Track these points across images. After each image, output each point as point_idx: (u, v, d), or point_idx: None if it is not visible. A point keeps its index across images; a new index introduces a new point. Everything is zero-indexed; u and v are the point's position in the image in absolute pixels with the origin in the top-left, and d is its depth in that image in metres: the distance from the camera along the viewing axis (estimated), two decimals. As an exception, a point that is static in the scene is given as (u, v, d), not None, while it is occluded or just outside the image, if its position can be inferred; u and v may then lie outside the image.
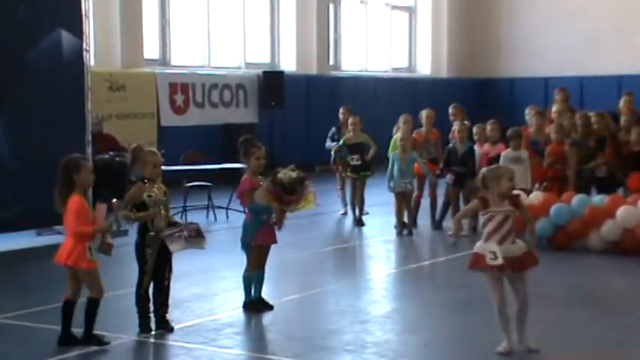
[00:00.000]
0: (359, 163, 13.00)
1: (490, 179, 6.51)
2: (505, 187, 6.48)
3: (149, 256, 7.09)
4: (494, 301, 6.58)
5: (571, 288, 8.98)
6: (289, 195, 7.57)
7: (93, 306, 6.81)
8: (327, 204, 15.03)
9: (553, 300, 8.47)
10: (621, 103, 12.91)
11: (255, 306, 7.89)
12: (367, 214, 13.31)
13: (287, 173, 7.63)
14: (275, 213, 7.68)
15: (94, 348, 6.77)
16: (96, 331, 6.87)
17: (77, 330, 6.95)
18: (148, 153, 7.22)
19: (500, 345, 6.55)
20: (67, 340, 6.79)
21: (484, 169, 6.78)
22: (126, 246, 8.49)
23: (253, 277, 7.87)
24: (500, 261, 6.41)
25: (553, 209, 10.70)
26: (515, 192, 6.76)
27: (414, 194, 12.39)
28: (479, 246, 6.55)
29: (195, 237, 7.21)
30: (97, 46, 16.47)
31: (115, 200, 6.76)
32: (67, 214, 6.60)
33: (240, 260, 8.02)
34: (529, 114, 12.80)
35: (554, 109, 13.16)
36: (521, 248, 6.53)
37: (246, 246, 7.87)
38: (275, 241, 7.85)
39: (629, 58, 22.08)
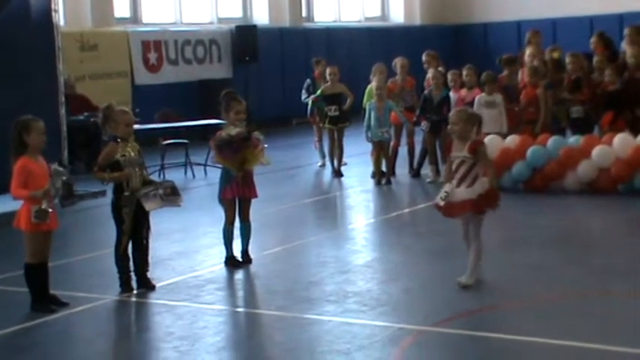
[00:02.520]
0: (337, 114, 12.90)
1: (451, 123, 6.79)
2: (456, 130, 6.69)
3: (126, 216, 7.01)
4: None
5: (549, 230, 8.99)
6: (231, 150, 7.53)
7: (28, 271, 6.66)
8: (305, 156, 14.99)
9: (532, 242, 8.49)
10: (592, 45, 12.83)
11: (236, 261, 7.85)
12: (346, 164, 13.25)
13: (227, 130, 7.63)
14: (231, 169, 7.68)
15: (78, 309, 6.71)
16: (57, 293, 6.79)
17: (64, 293, 6.89)
18: (119, 112, 7.11)
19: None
20: (40, 306, 6.67)
21: (451, 113, 6.94)
22: (103, 207, 8.41)
23: (231, 231, 7.83)
24: (440, 202, 6.73)
25: (529, 152, 10.69)
26: (480, 138, 6.91)
27: (392, 143, 12.33)
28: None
29: (171, 195, 7.13)
30: (67, 6, 16.19)
31: (53, 165, 6.57)
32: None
33: (220, 216, 7.96)
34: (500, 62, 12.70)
35: (527, 52, 13.07)
36: (472, 192, 6.64)
37: (219, 200, 7.84)
38: (245, 195, 7.79)
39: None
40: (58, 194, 6.59)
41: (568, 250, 8.13)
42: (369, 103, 12.17)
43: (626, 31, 12.75)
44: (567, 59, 11.94)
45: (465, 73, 12.03)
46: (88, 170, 11.60)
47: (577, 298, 6.62)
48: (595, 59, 12.23)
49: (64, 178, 6.58)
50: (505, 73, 12.28)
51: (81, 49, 16.12)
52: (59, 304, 6.75)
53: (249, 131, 7.69)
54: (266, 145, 7.81)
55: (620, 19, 19.38)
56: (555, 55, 12.80)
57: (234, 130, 7.61)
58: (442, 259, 7.81)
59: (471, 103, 11.56)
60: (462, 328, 6.04)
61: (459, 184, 6.70)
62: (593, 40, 12.85)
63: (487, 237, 9.01)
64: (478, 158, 6.69)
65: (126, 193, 6.98)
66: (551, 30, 20.88)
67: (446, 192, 6.71)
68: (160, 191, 7.07)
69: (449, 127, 6.92)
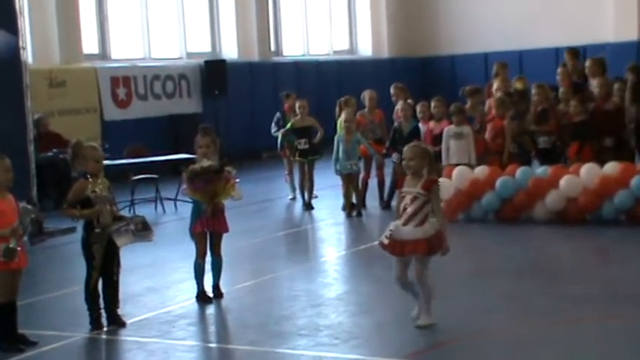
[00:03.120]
0: (307, 147, 12.95)
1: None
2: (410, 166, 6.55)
3: (96, 252, 6.98)
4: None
5: (519, 259, 9.06)
6: (202, 183, 7.55)
7: None
8: (275, 190, 15.00)
9: (502, 271, 8.54)
10: (558, 75, 13.02)
11: (207, 296, 7.83)
12: (316, 197, 13.28)
13: (200, 163, 7.66)
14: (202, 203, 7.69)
15: (48, 347, 6.64)
16: (26, 332, 6.71)
17: (33, 332, 6.83)
18: (88, 148, 7.09)
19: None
20: (8, 346, 6.58)
21: (405, 149, 6.75)
22: (73, 243, 8.36)
23: (202, 266, 7.83)
24: (384, 240, 6.50)
25: (498, 182, 10.78)
26: (434, 176, 6.69)
27: (361, 175, 12.39)
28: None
29: (142, 230, 7.11)
30: (35, 44, 16.14)
31: (22, 203, 6.53)
32: None
33: (191, 251, 7.94)
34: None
35: (494, 85, 13.24)
36: (422, 232, 6.39)
37: (190, 234, 7.86)
38: (215, 229, 7.79)
39: (564, 31, 22.32)
40: (27, 232, 6.55)
41: (538, 280, 8.19)
42: (337, 135, 12.23)
43: (587, 64, 12.98)
44: (533, 90, 12.10)
45: (433, 104, 12.14)
46: (58, 207, 11.55)
47: (547, 326, 6.66)
48: (560, 90, 12.42)
49: (33, 216, 6.55)
50: (468, 104, 12.40)
51: (49, 85, 16.07)
52: (28, 343, 6.68)
53: (222, 164, 7.71)
54: (238, 180, 7.83)
55: (584, 51, 19.67)
56: (519, 85, 12.98)
57: (206, 163, 7.63)
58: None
59: (440, 135, 11.68)
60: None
61: (407, 222, 6.44)
62: (559, 71, 13.05)
63: (458, 266, 9.11)
64: (431, 197, 6.48)
65: (96, 230, 6.95)
66: (518, 61, 21.18)
67: (390, 230, 6.46)
68: (132, 227, 7.05)
69: (403, 162, 6.75)
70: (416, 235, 6.40)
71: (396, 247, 6.46)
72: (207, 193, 7.62)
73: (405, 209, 6.48)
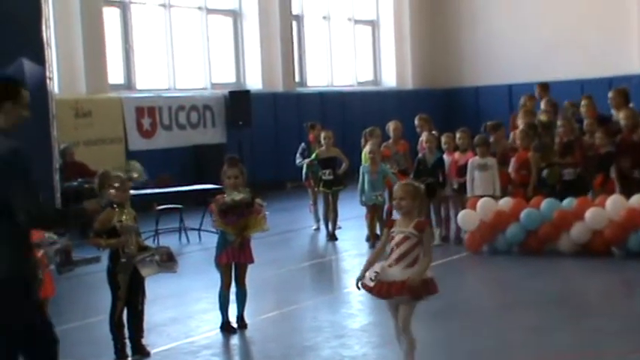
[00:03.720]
0: (331, 177, 12.99)
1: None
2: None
3: (121, 282, 7.02)
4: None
5: (545, 292, 9.00)
6: (235, 216, 7.58)
7: None
8: (299, 220, 15.02)
9: (528, 304, 8.49)
10: (582, 108, 12.99)
11: (231, 326, 7.84)
12: (340, 228, 13.29)
13: (231, 195, 7.64)
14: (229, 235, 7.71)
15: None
16: None
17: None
18: (115, 178, 7.15)
19: None
20: None
21: (396, 187, 6.39)
22: (98, 273, 8.41)
23: (227, 296, 7.84)
24: (369, 282, 6.12)
25: (523, 214, 10.75)
26: (425, 219, 6.37)
27: (386, 206, 12.39)
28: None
29: (167, 261, 7.15)
30: (61, 74, 16.33)
31: (47, 234, 6.54)
32: None
33: (215, 281, 7.96)
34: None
35: (520, 117, 13.19)
36: (411, 274, 6.00)
37: (216, 264, 7.88)
38: (241, 260, 7.81)
39: (589, 63, 22.30)
40: (54, 262, 6.58)
41: (563, 313, 8.13)
42: (362, 166, 12.26)
43: (610, 95, 12.95)
44: (558, 122, 12.08)
45: (458, 135, 12.14)
46: (83, 236, 11.63)
47: (574, 360, 6.62)
48: (585, 122, 12.38)
49: (58, 246, 6.58)
50: (491, 139, 12.38)
51: (75, 115, 16.24)
52: None
53: (253, 197, 7.73)
54: (267, 212, 7.83)
55: (610, 83, 19.64)
56: (544, 117, 12.95)
57: (238, 196, 7.62)
58: (440, 322, 7.80)
59: (465, 166, 11.69)
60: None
61: (395, 263, 6.08)
62: (583, 102, 13.02)
63: (483, 299, 9.08)
64: (423, 238, 6.11)
65: (122, 260, 7.00)
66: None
67: (376, 272, 6.09)
68: (157, 257, 7.09)
69: (394, 202, 6.31)
70: (404, 276, 6.02)
71: (382, 289, 6.08)
72: (238, 226, 7.65)
73: (393, 250, 6.12)
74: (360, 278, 6.17)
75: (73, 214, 5.33)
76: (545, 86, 14.68)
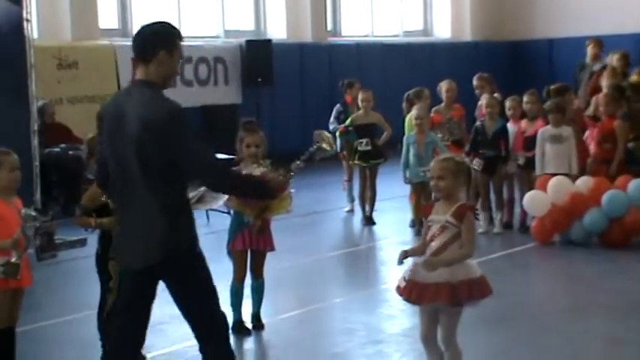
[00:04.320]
0: (368, 148, 12.97)
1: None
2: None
3: (113, 271, 7.05)
4: None
5: (629, 293, 8.99)
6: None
7: None
8: (329, 200, 15.06)
9: (607, 308, 8.49)
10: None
11: (244, 327, 7.90)
12: (376, 211, 13.30)
13: (249, 169, 7.58)
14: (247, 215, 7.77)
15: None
16: None
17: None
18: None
19: None
20: None
21: (433, 163, 6.34)
22: (85, 258, 8.49)
23: (241, 290, 7.89)
24: (401, 282, 6.12)
25: (606, 198, 10.70)
26: (471, 202, 6.35)
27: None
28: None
29: None
30: (42, 16, 16.43)
31: (23, 209, 6.61)
32: None
33: (227, 271, 8.01)
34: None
35: (604, 78, 13.10)
36: (448, 275, 5.91)
37: (228, 252, 7.93)
38: (259, 246, 7.86)
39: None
40: (29, 244, 6.61)
41: (651, 320, 8.14)
42: (407, 136, 12.25)
43: None
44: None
45: (525, 100, 12.07)
46: (66, 214, 11.72)
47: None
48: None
49: (37, 224, 6.64)
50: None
51: (59, 66, 16.33)
52: None
53: (284, 174, 7.64)
54: (293, 190, 7.70)
55: None
56: (636, 78, 12.86)
57: (257, 170, 7.54)
58: (499, 328, 7.82)
59: (534, 137, 11.63)
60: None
61: (435, 257, 6.00)
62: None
63: (552, 301, 9.07)
64: (462, 228, 6.00)
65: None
66: (633, 47, 20.96)
67: (410, 270, 6.07)
68: None
69: (431, 182, 6.30)
70: (440, 277, 5.93)
71: (413, 292, 6.02)
72: (258, 207, 7.68)
73: (430, 242, 6.09)
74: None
75: (255, 185, 5.89)
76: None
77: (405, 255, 6.17)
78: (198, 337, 5.66)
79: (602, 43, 15.50)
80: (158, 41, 5.47)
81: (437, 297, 5.94)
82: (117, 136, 5.42)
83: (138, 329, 5.69)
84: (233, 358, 5.68)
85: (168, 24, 5.69)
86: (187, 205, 5.60)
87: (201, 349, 5.66)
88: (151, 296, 5.66)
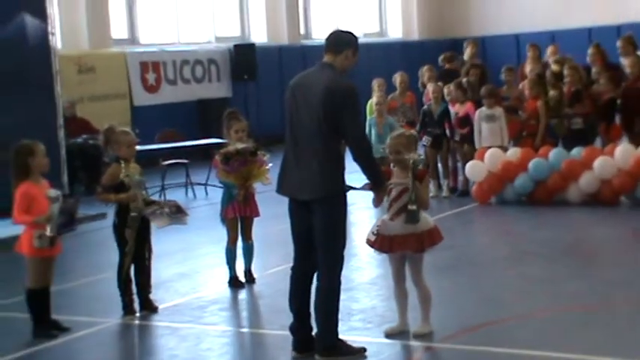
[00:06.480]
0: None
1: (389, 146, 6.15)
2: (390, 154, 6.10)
3: (129, 238, 6.98)
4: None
5: (553, 242, 8.97)
6: (237, 164, 7.55)
7: (30, 297, 6.61)
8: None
9: (536, 255, 8.47)
10: (589, 57, 12.83)
11: (239, 281, 7.83)
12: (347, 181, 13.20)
13: (235, 145, 7.65)
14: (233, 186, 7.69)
15: (80, 333, 6.68)
16: (58, 318, 6.76)
17: (66, 318, 6.87)
18: (121, 133, 7.10)
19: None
20: (42, 332, 6.61)
21: (388, 139, 6.30)
22: (104, 229, 8.40)
23: (234, 251, 7.83)
24: (371, 237, 6.13)
25: (531, 164, 10.68)
26: (425, 169, 6.35)
27: (390, 158, 12.32)
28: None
29: (177, 213, 7.13)
30: (63, 29, 16.20)
31: (51, 191, 6.52)
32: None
33: (222, 236, 7.94)
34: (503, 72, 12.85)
35: (527, 67, 13.08)
36: (412, 227, 5.94)
37: (221, 220, 7.85)
38: (247, 214, 7.79)
39: (598, 10, 22.02)
40: (56, 221, 6.50)
41: (571, 263, 8.11)
42: (369, 119, 12.17)
43: (618, 44, 12.81)
44: (566, 71, 11.94)
45: (452, 87, 12.00)
46: (88, 192, 11.62)
47: (581, 310, 6.60)
48: (593, 71, 12.25)
49: (60, 203, 6.52)
50: (505, 87, 12.31)
51: (78, 71, 16.13)
52: (61, 329, 6.72)
53: (256, 147, 7.70)
54: (270, 165, 7.74)
55: (618, 31, 19.40)
56: (556, 67, 12.81)
57: (240, 145, 7.61)
58: (448, 274, 7.78)
59: (465, 117, 11.67)
60: (468, 343, 6.01)
61: (396, 216, 6.04)
62: (590, 51, 12.87)
63: (491, 251, 9.06)
64: (420, 188, 5.98)
65: (132, 214, 6.94)
66: (550, 42, 20.91)
67: (378, 225, 6.10)
68: (166, 209, 7.08)
69: (390, 156, 6.21)
70: (405, 229, 5.98)
71: (384, 243, 6.07)
72: (240, 175, 7.62)
73: (392, 204, 6.06)
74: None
75: (377, 168, 5.90)
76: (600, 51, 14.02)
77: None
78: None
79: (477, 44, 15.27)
80: (348, 41, 5.90)
81: (404, 246, 6.03)
82: (304, 101, 5.71)
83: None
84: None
85: (354, 34, 6.03)
86: (340, 160, 5.80)
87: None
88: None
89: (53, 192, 6.51)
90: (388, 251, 6.15)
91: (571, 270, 7.80)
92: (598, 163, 10.34)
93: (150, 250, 7.16)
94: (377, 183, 5.89)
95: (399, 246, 6.05)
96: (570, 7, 22.52)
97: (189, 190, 13.43)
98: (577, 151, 10.74)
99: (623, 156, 10.31)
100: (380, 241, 6.12)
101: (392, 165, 6.21)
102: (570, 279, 7.45)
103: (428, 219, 6.14)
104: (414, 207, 5.95)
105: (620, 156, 10.32)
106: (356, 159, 5.76)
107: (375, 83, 12.87)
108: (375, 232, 6.13)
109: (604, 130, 11.65)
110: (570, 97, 11.64)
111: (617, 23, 20.97)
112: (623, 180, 10.26)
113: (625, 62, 12.18)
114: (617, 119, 11.86)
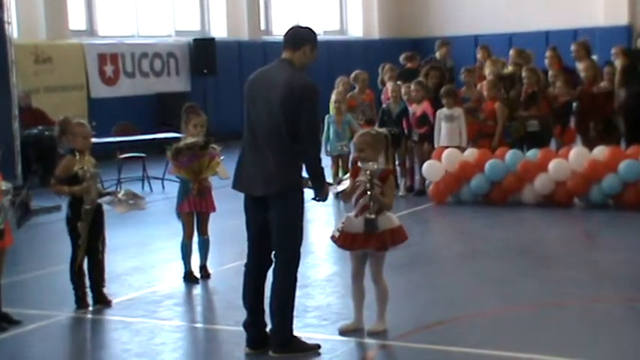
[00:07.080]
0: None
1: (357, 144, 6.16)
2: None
3: (82, 231, 6.90)
4: None
5: (507, 242, 9.05)
6: (187, 158, 7.53)
7: None
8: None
9: (490, 255, 8.54)
10: (547, 59, 12.98)
11: (194, 276, 7.79)
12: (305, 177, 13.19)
13: (185, 140, 7.63)
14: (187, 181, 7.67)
15: (31, 326, 6.59)
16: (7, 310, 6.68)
17: (17, 311, 6.78)
18: (77, 125, 7.02)
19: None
20: None
21: (355, 137, 6.34)
22: (58, 222, 8.30)
23: (189, 246, 7.78)
24: (335, 233, 6.15)
25: (488, 165, 10.76)
26: (391, 167, 6.38)
27: (351, 156, 12.33)
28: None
29: (133, 198, 7.07)
30: (20, 18, 15.96)
31: (2, 183, 6.41)
32: None
33: (178, 230, 7.89)
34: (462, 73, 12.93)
35: (487, 69, 13.16)
36: (379, 224, 5.95)
37: (177, 214, 7.81)
38: (202, 209, 7.75)
39: (555, 14, 22.27)
40: (9, 214, 6.40)
41: (525, 263, 8.19)
42: (328, 116, 12.17)
43: (572, 48, 13.02)
44: (523, 74, 12.06)
45: (412, 87, 12.03)
46: (43, 184, 11.46)
47: (534, 309, 6.66)
48: (550, 73, 12.39)
49: (9, 196, 6.42)
50: (463, 88, 12.38)
51: (35, 61, 15.93)
52: (11, 322, 6.62)
53: (206, 141, 7.67)
54: (222, 157, 7.77)
55: (575, 35, 19.65)
56: (511, 69, 12.93)
57: (190, 140, 7.60)
58: (403, 272, 7.79)
59: (422, 117, 11.69)
60: (422, 341, 6.03)
61: (360, 214, 6.02)
62: (547, 54, 13.02)
63: (446, 249, 9.12)
64: (385, 188, 6.00)
65: (86, 207, 6.86)
66: (508, 44, 21.10)
67: (342, 222, 6.09)
68: (121, 196, 7.03)
69: (356, 154, 6.26)
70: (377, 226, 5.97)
71: (347, 240, 6.05)
72: (191, 170, 7.59)
73: (358, 200, 6.05)
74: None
75: (320, 171, 5.84)
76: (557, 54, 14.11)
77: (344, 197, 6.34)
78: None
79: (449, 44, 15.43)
80: (307, 37, 5.85)
81: (367, 244, 6.02)
82: (262, 96, 5.68)
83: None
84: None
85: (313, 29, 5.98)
86: (297, 156, 5.71)
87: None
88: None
89: (4, 184, 6.41)
90: (350, 249, 6.14)
91: (524, 270, 7.87)
92: (553, 165, 10.45)
93: (104, 244, 7.09)
94: (317, 183, 5.88)
95: (361, 244, 6.05)
96: (529, 10, 22.77)
97: (146, 184, 13.32)
98: (532, 153, 10.85)
99: (578, 159, 10.44)
100: (343, 238, 6.11)
101: (358, 162, 6.21)
102: (524, 278, 7.52)
103: (392, 218, 6.12)
104: (372, 216, 5.98)
105: (575, 158, 10.45)
106: (302, 156, 5.73)
107: (340, 81, 12.86)
108: (340, 228, 6.12)
109: (559, 132, 11.81)
110: (526, 99, 11.75)
111: (573, 27, 21.24)
112: (577, 182, 10.38)
113: (579, 66, 12.36)
114: (572, 122, 12.04)
